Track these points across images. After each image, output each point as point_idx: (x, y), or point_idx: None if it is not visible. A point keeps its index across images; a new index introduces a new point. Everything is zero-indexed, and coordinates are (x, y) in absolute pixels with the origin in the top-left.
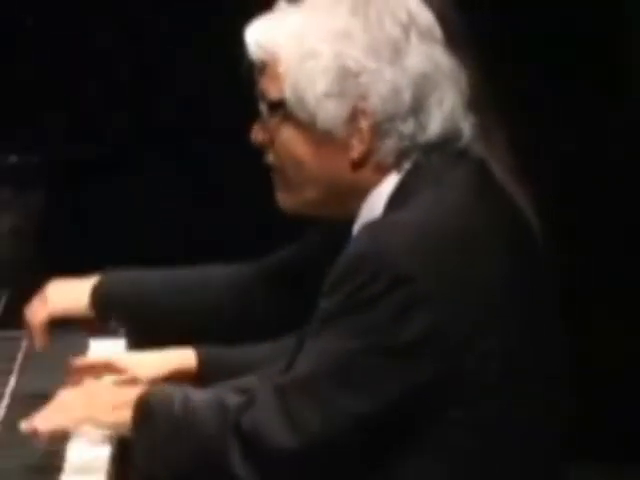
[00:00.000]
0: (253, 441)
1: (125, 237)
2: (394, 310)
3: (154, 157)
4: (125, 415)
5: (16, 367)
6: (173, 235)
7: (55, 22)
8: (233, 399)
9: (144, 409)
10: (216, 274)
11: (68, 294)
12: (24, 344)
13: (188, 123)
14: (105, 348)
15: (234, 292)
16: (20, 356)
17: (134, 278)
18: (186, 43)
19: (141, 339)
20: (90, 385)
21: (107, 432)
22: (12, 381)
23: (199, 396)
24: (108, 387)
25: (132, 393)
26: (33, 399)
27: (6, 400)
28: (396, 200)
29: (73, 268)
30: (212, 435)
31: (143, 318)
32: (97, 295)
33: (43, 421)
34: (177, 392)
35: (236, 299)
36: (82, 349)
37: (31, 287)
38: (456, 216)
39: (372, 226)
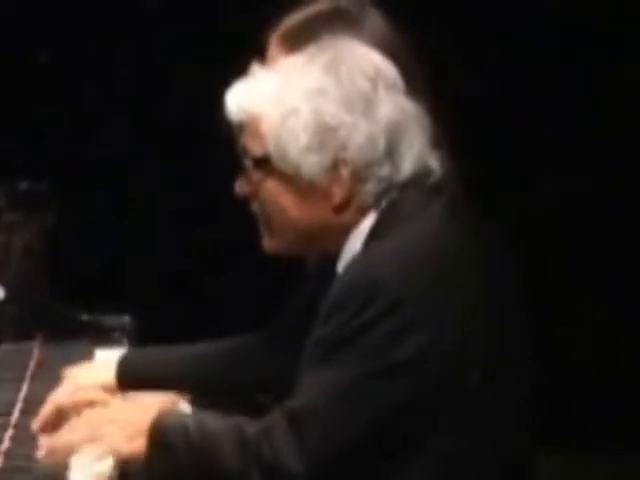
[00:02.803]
0: (273, 470)
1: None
2: (387, 334)
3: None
4: (141, 444)
5: (28, 375)
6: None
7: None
8: (250, 428)
9: (159, 438)
10: (230, 349)
11: (97, 378)
12: (35, 354)
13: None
14: (109, 357)
15: (248, 365)
16: (31, 364)
17: (156, 358)
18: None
19: None
20: (99, 416)
21: (115, 463)
22: (24, 387)
23: (215, 423)
24: (117, 417)
25: (144, 421)
26: (43, 404)
27: (19, 405)
28: (376, 233)
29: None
30: (233, 464)
31: (165, 390)
32: (122, 377)
33: (56, 450)
34: (191, 418)
35: (251, 371)
36: (88, 358)
37: (42, 301)
38: (434, 245)
39: (361, 257)
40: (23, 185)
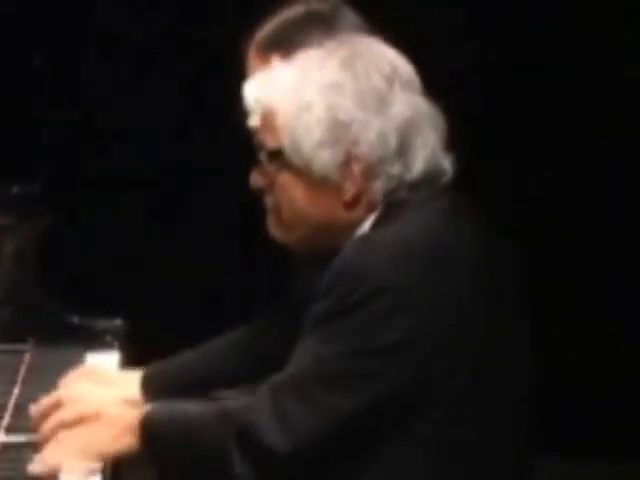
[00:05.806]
0: (250, 442)
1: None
2: (373, 316)
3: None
4: (128, 441)
5: (19, 378)
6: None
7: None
8: (235, 403)
9: (148, 431)
10: (235, 344)
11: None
12: (26, 357)
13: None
14: (100, 361)
15: (257, 358)
16: (23, 368)
17: (177, 364)
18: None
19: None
20: (86, 421)
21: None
22: (15, 391)
23: (199, 407)
24: (103, 418)
25: (129, 418)
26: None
27: (10, 409)
28: (380, 221)
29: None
30: (219, 440)
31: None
32: (148, 390)
33: (48, 463)
34: (172, 408)
35: (254, 362)
36: (79, 361)
37: (34, 305)
38: (434, 238)
39: (358, 240)
40: (15, 188)
